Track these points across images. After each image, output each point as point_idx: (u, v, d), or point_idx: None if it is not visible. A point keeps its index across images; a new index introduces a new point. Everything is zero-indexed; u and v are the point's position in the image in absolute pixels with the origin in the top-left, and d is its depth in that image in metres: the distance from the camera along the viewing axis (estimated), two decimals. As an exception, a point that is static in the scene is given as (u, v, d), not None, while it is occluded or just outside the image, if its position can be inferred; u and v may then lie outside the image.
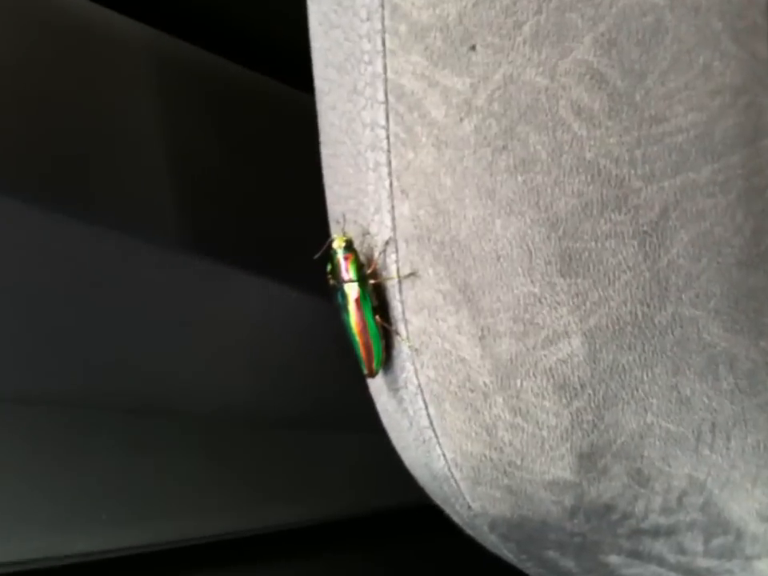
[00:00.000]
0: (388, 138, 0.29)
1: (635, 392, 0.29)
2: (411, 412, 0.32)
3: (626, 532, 0.31)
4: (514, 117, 0.29)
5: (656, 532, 0.31)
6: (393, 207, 0.29)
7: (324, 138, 0.32)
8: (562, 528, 0.32)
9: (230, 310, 0.45)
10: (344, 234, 0.32)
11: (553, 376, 0.29)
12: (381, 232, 0.30)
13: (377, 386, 0.34)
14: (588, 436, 0.29)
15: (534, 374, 0.29)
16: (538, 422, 0.29)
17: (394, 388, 0.32)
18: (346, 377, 0.38)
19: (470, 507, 0.32)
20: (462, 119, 0.30)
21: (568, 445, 0.29)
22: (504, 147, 0.30)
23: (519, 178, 0.30)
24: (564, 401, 0.29)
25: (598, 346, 0.28)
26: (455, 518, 0.34)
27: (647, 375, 0.29)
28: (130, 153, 0.40)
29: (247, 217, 0.45)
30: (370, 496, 0.57)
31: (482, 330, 0.29)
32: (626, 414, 0.29)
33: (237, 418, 0.49)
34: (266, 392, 0.49)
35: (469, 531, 0.35)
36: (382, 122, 0.29)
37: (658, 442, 0.29)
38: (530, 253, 0.29)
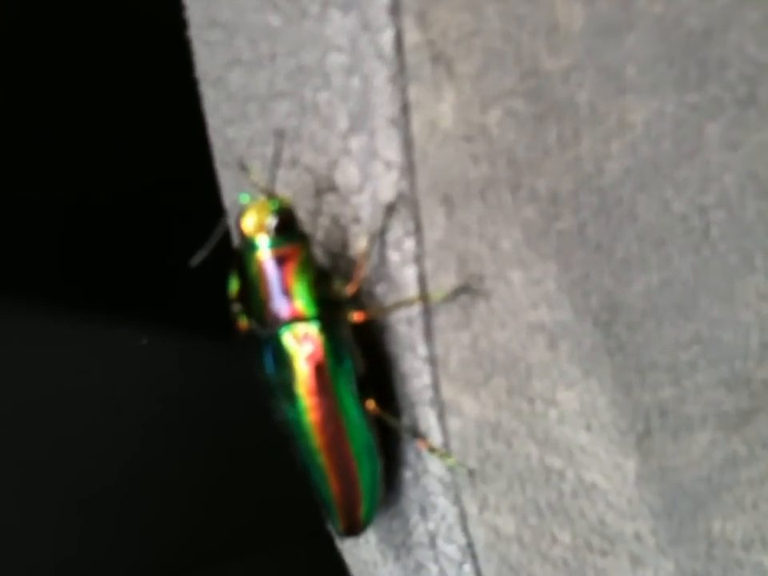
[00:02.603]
0: None
1: None
2: None
3: None
4: None
5: None
6: (407, 107, 0.14)
7: None
8: None
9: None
10: (267, 195, 0.15)
11: None
12: (371, 183, 0.15)
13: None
14: None
15: (743, 508, 0.16)
16: None
17: (398, 543, 0.19)
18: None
19: None
20: None
21: None
22: None
23: None
24: None
25: None
26: None
27: None
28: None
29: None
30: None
31: (648, 415, 0.15)
32: None
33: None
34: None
35: None
36: None
37: None
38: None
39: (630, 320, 0.14)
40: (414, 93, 0.14)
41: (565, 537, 0.16)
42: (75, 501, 0.29)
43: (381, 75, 0.14)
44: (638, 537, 0.16)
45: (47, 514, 0.29)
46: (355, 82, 0.14)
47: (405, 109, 0.14)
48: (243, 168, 0.16)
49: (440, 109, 0.14)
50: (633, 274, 0.14)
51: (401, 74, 0.14)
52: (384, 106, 0.14)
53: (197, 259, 0.15)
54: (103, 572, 0.30)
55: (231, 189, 0.18)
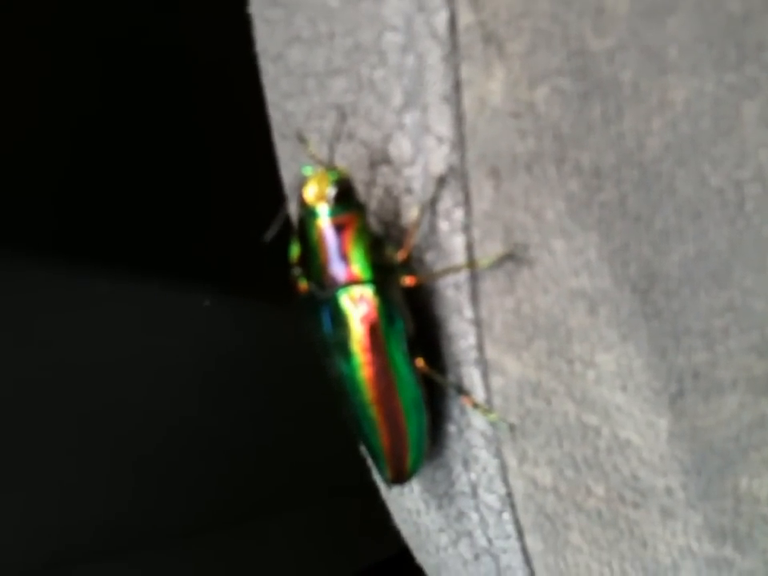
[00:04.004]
0: None
1: None
2: (483, 541, 0.19)
3: None
4: None
5: None
6: (458, 84, 0.14)
7: None
8: None
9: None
10: (326, 167, 0.15)
11: None
12: (423, 156, 0.15)
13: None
14: None
15: None
16: (764, 552, 0.17)
17: (441, 493, 0.20)
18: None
19: None
20: None
21: None
22: None
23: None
24: None
25: None
26: None
27: None
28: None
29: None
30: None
31: (681, 378, 0.16)
32: None
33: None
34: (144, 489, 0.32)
35: None
36: None
37: None
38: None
39: (667, 288, 0.15)
40: (465, 71, 0.14)
41: (599, 489, 0.17)
42: (133, 455, 0.30)
43: (434, 54, 0.14)
44: (668, 491, 0.16)
45: (103, 468, 0.30)
46: (410, 60, 0.14)
47: (457, 86, 0.14)
48: (302, 140, 0.17)
49: (490, 86, 0.14)
50: (670, 244, 0.14)
51: (454, 53, 0.14)
52: (437, 83, 0.14)
53: (269, 235, 0.15)
54: (154, 523, 0.31)
55: (288, 160, 0.19)
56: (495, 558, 0.19)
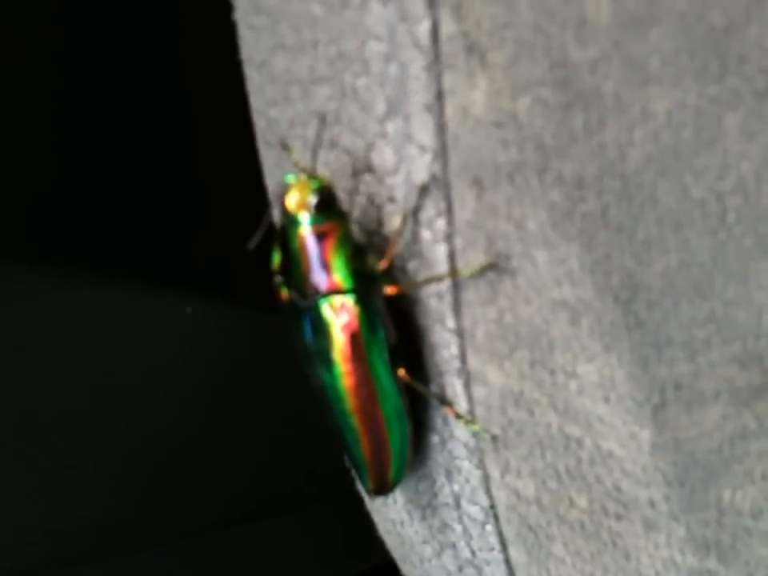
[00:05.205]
0: None
1: None
2: (467, 552, 0.19)
3: None
4: None
5: None
6: (441, 93, 0.14)
7: None
8: None
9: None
10: (309, 175, 0.15)
11: None
12: (406, 165, 0.15)
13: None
14: None
15: (752, 479, 0.16)
16: (747, 565, 0.17)
17: (424, 504, 0.19)
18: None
19: None
20: None
21: None
22: None
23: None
24: None
25: None
26: None
27: None
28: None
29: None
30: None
31: (663, 389, 0.16)
32: None
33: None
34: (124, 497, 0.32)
35: None
36: None
37: None
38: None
39: (649, 298, 0.15)
40: (448, 80, 0.14)
41: (582, 501, 0.17)
42: (119, 458, 0.29)
43: (417, 63, 0.14)
44: (651, 503, 0.16)
45: (88, 470, 0.29)
46: (393, 69, 0.14)
47: (439, 95, 0.14)
48: (285, 148, 0.17)
49: (472, 96, 0.14)
50: (652, 255, 0.14)
51: (436, 62, 0.14)
52: (419, 92, 0.14)
53: (253, 243, 0.15)
54: (137, 526, 0.31)
55: (272, 167, 0.19)
56: (479, 570, 0.19)
